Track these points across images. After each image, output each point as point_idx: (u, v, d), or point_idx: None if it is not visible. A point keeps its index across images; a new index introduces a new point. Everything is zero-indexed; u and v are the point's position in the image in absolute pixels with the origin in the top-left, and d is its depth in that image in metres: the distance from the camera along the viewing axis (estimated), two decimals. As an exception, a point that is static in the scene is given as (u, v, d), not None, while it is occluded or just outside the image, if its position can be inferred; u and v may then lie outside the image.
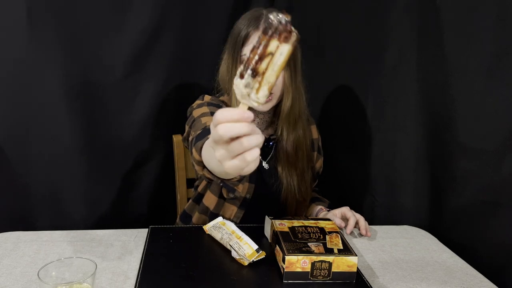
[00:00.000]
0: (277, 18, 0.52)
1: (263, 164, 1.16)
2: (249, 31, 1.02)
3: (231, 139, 0.51)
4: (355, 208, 1.44)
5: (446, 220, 1.18)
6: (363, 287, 0.86)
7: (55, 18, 1.23)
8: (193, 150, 0.88)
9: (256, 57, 0.52)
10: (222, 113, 0.51)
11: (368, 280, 0.88)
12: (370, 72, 1.32)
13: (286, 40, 0.52)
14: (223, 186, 0.97)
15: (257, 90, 0.53)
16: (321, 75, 1.51)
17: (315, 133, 1.25)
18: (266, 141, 1.16)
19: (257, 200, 1.13)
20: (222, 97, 1.17)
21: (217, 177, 0.83)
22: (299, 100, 1.09)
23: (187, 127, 1.07)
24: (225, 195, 1.05)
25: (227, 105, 1.13)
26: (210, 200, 1.15)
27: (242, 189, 1.11)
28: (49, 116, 1.29)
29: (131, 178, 1.44)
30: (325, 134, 1.32)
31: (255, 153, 0.52)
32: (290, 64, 1.04)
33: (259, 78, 0.52)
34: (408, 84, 1.21)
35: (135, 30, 1.31)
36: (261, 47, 0.52)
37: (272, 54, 0.52)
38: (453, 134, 1.11)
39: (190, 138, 0.97)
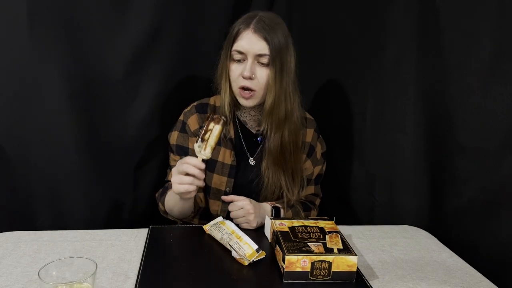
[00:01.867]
0: (212, 114, 1.02)
1: (250, 161, 1.19)
2: (240, 29, 1.08)
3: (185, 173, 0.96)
4: (355, 208, 1.45)
5: (445, 219, 1.18)
6: (363, 287, 0.86)
7: (55, 18, 1.23)
8: (159, 203, 1.20)
9: (203, 132, 0.99)
10: (189, 159, 0.97)
11: (368, 280, 0.88)
12: (370, 72, 1.32)
13: (217, 122, 1.00)
14: (183, 224, 1.22)
15: (204, 148, 0.99)
16: (321, 75, 1.51)
17: (309, 137, 1.24)
18: (254, 136, 1.20)
19: (237, 194, 1.15)
20: (214, 96, 1.21)
21: (177, 219, 1.21)
22: (285, 101, 1.10)
23: (169, 152, 1.25)
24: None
25: (215, 108, 1.19)
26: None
27: (220, 184, 1.17)
28: (49, 116, 1.29)
29: (131, 178, 1.44)
30: (325, 134, 1.32)
31: (193, 188, 0.96)
32: (276, 64, 1.06)
33: (205, 142, 0.99)
34: (408, 84, 1.21)
35: (136, 30, 1.31)
36: (205, 126, 0.99)
37: (211, 130, 0.99)
38: (453, 134, 1.11)
39: (156, 194, 1.24)
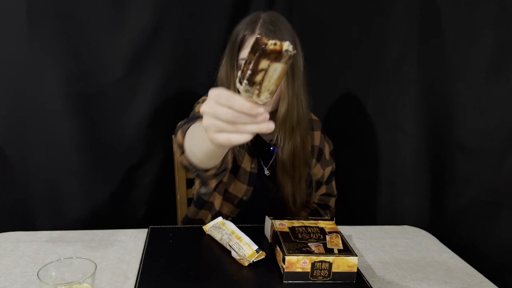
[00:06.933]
0: (263, 39, 0.51)
1: (265, 171, 1.15)
2: (245, 35, 1.01)
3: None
4: (356, 208, 1.44)
5: (446, 220, 1.18)
6: (363, 288, 0.86)
7: (55, 18, 1.23)
8: (179, 132, 0.85)
9: (249, 72, 0.52)
10: (234, 100, 0.52)
11: (368, 281, 0.88)
12: (370, 72, 1.31)
13: (277, 60, 0.52)
14: (197, 176, 0.91)
15: (258, 95, 0.54)
16: (321, 75, 1.51)
17: (317, 140, 1.21)
18: (266, 146, 1.15)
19: (253, 203, 1.13)
20: None
21: (193, 165, 0.82)
22: (297, 106, 1.06)
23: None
24: (197, 188, 0.98)
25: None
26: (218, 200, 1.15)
27: (239, 190, 1.11)
28: (49, 116, 1.29)
29: (130, 178, 1.43)
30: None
31: (246, 138, 0.55)
32: (287, 70, 1.01)
33: (257, 86, 0.53)
34: (408, 84, 1.21)
35: (135, 30, 1.31)
36: (252, 64, 0.52)
37: (265, 70, 0.52)
38: (453, 134, 1.11)
39: (179, 123, 0.91)
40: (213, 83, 1.15)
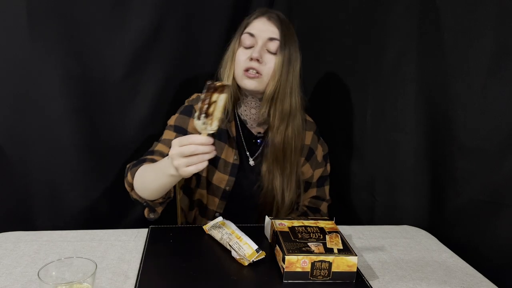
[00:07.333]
0: (213, 82, 0.85)
1: (250, 161, 1.18)
2: (249, 20, 1.11)
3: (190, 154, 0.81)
4: (356, 208, 1.44)
5: (446, 220, 1.18)
6: (363, 287, 0.86)
7: (55, 18, 1.23)
8: (129, 173, 1.05)
9: (206, 106, 0.83)
10: (194, 139, 0.81)
11: (368, 280, 0.88)
12: (370, 72, 1.32)
13: (221, 92, 0.84)
14: (146, 205, 1.08)
15: (211, 124, 0.84)
16: (321, 75, 1.51)
17: (308, 139, 1.23)
18: (254, 138, 1.19)
19: (237, 193, 1.16)
20: None
21: (142, 198, 1.04)
22: (290, 96, 1.09)
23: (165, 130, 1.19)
24: (146, 215, 1.10)
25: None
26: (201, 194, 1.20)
27: (221, 181, 1.16)
28: (49, 116, 1.29)
29: (131, 178, 1.43)
30: (325, 134, 1.32)
31: (205, 164, 0.83)
32: (284, 53, 1.07)
33: (210, 117, 0.83)
34: (408, 84, 1.21)
35: (135, 30, 1.31)
36: (207, 99, 0.83)
37: (215, 101, 0.83)
38: (453, 134, 1.11)
39: (128, 165, 1.10)
40: (217, 76, 1.17)
